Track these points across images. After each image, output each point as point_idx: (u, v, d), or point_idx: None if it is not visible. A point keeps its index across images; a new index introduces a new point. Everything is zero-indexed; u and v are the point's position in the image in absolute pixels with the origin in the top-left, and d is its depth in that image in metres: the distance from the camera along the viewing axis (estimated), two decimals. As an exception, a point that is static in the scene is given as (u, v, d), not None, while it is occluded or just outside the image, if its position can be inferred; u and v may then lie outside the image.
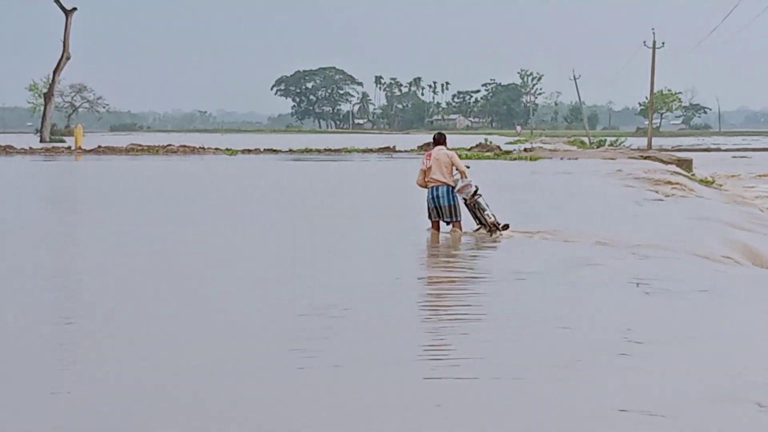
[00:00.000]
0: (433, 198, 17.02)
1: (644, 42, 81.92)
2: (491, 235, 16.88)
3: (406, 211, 20.64)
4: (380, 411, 6.79)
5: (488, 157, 52.78)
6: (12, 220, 20.38)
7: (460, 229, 17.15)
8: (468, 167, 18.02)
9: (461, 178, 17.06)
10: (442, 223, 17.26)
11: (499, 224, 17.06)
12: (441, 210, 17.03)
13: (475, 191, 17.05)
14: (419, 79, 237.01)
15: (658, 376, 7.72)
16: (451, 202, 17.00)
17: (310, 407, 6.87)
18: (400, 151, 62.13)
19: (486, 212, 17.11)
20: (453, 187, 16.99)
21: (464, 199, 17.14)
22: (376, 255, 15.31)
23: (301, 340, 8.78)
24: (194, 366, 7.92)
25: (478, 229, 17.22)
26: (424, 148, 60.54)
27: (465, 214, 17.27)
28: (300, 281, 12.32)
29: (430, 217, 17.25)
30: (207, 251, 15.42)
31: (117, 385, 7.39)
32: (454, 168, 17.16)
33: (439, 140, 17.56)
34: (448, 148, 17.49)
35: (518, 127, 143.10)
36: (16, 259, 14.43)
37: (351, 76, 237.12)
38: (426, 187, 17.18)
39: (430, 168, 17.07)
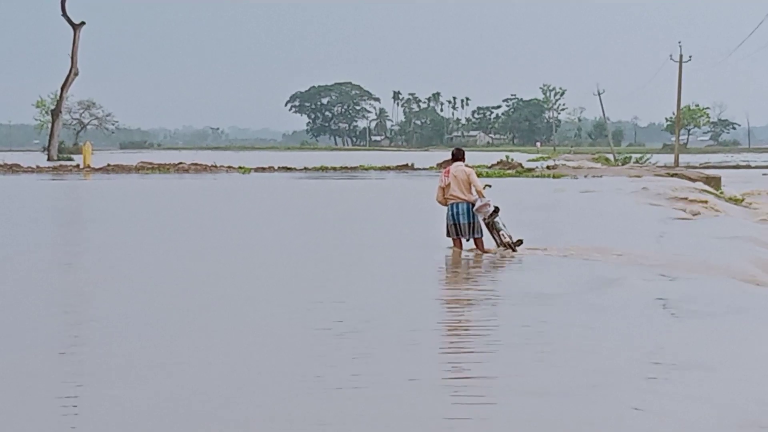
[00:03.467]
0: (452, 215, 16.98)
1: (671, 55, 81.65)
2: (512, 250, 16.92)
3: (427, 230, 20.55)
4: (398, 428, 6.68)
5: (510, 175, 52.22)
6: (18, 241, 20.41)
7: (482, 246, 17.09)
8: (489, 186, 18.02)
9: (478, 197, 16.96)
10: (464, 241, 17.18)
11: (513, 244, 17.02)
12: (460, 227, 16.97)
13: (494, 211, 16.96)
14: (438, 94, 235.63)
15: (685, 400, 7.58)
16: (471, 220, 16.94)
17: (329, 424, 6.82)
18: (419, 169, 61.93)
19: (501, 232, 17.10)
20: (473, 205, 16.91)
21: (483, 218, 17.03)
22: (395, 274, 15.11)
23: (320, 359, 8.72)
24: (211, 383, 7.82)
25: (499, 247, 17.16)
26: (443, 165, 59.20)
27: (485, 232, 17.23)
28: (319, 300, 12.20)
29: (448, 234, 17.18)
30: (224, 271, 15.35)
31: (132, 401, 7.26)
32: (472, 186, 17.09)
33: (458, 156, 17.57)
34: (466, 165, 17.47)
35: (538, 144, 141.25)
36: (24, 280, 14.53)
37: (368, 92, 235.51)
38: (445, 204, 17.16)
39: (449, 185, 17.06)
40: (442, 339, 10.19)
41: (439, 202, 17.39)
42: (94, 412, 7.25)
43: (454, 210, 16.96)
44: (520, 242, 17.18)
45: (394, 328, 10.39)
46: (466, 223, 16.92)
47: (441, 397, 7.69)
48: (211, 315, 11.29)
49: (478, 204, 16.90)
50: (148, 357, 8.98)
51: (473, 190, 17.04)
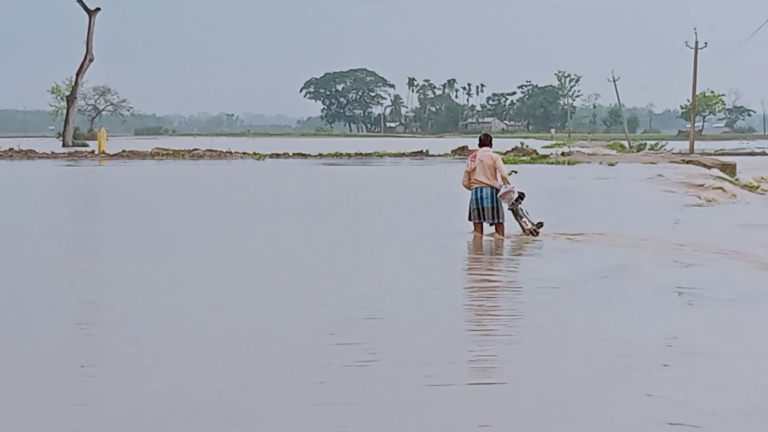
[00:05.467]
0: (476, 199, 17.12)
1: (686, 42, 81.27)
2: (535, 235, 17.16)
3: (446, 215, 20.64)
4: (414, 418, 6.69)
5: (525, 162, 52.04)
6: (33, 227, 20.57)
7: (503, 231, 17.23)
8: (515, 172, 18.23)
9: (503, 183, 17.09)
10: (486, 225, 17.29)
11: (535, 230, 17.24)
12: (484, 211, 17.10)
13: (518, 197, 17.09)
14: (453, 80, 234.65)
15: (700, 388, 7.61)
16: (494, 204, 17.09)
17: (346, 411, 6.81)
18: (434, 156, 62.05)
19: (523, 219, 17.25)
20: (497, 190, 17.03)
21: (507, 204, 17.17)
22: (415, 260, 15.09)
23: (338, 345, 8.71)
24: (223, 373, 7.87)
25: (525, 233, 17.31)
26: (458, 152, 59.44)
27: (508, 217, 17.34)
28: (338, 287, 12.24)
29: (470, 218, 17.30)
30: (240, 258, 15.37)
31: (142, 393, 7.35)
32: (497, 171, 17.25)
33: (485, 142, 17.80)
34: (493, 151, 17.71)
35: (552, 130, 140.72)
36: (39, 266, 14.64)
37: (383, 78, 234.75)
38: (470, 188, 17.30)
39: (474, 169, 17.21)
40: (459, 324, 10.21)
41: (464, 186, 17.54)
42: (104, 400, 7.29)
43: (479, 194, 17.10)
44: (540, 224, 17.37)
45: (412, 313, 10.43)
46: (489, 206, 17.07)
47: (457, 380, 7.72)
48: (226, 302, 11.34)
49: (502, 190, 17.05)
50: (156, 347, 9.03)
51: (498, 175, 17.20)
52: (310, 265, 14.62)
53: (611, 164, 47.55)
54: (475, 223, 17.34)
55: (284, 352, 8.74)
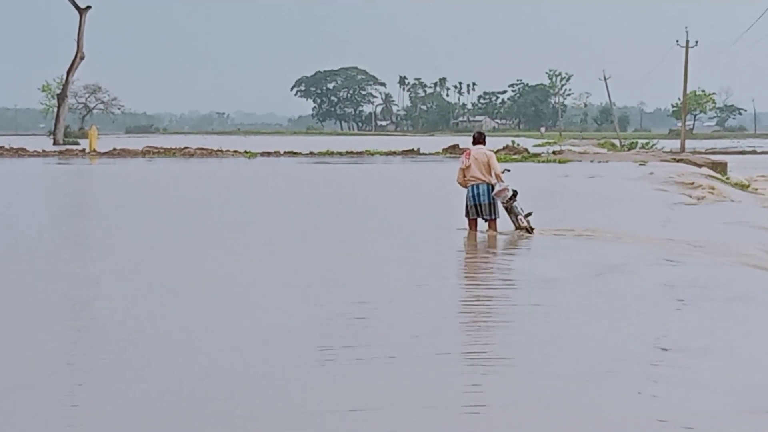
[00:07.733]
0: (473, 196, 17.27)
1: (677, 41, 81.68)
2: (529, 232, 17.27)
3: (438, 213, 20.69)
4: (407, 415, 6.68)
5: (516, 160, 51.99)
6: (27, 225, 20.67)
7: (496, 228, 17.40)
8: (509, 170, 18.18)
9: (497, 181, 17.18)
10: (480, 221, 17.45)
11: (530, 227, 17.37)
12: (481, 207, 17.28)
13: (512, 195, 17.23)
14: (444, 79, 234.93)
15: (691, 386, 7.60)
16: (491, 200, 17.27)
17: (340, 405, 6.84)
18: (425, 154, 62.01)
19: (519, 216, 17.35)
20: (493, 187, 17.17)
21: (502, 202, 17.31)
22: (407, 258, 15.10)
23: (331, 339, 8.70)
24: (220, 370, 7.87)
25: (517, 230, 17.43)
26: (449, 150, 59.46)
27: (502, 214, 17.46)
28: (331, 284, 12.28)
29: (467, 215, 17.44)
30: (233, 257, 15.37)
31: (139, 391, 7.32)
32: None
33: (479, 139, 17.95)
34: (488, 149, 17.84)
35: (542, 129, 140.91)
36: (30, 270, 14.44)
37: (374, 77, 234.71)
38: (465, 185, 17.43)
39: (469, 167, 17.34)
40: (450, 323, 10.17)
41: (459, 184, 17.68)
42: (98, 400, 7.26)
43: (475, 191, 17.25)
44: (529, 214, 17.50)
45: (403, 311, 10.40)
46: (486, 203, 17.23)
47: (446, 378, 7.70)
48: (220, 301, 11.29)
49: (497, 188, 17.18)
50: (153, 348, 9.01)
51: (493, 173, 17.31)
52: (303, 263, 14.56)
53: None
54: (470, 220, 17.47)
55: (280, 351, 8.70)
